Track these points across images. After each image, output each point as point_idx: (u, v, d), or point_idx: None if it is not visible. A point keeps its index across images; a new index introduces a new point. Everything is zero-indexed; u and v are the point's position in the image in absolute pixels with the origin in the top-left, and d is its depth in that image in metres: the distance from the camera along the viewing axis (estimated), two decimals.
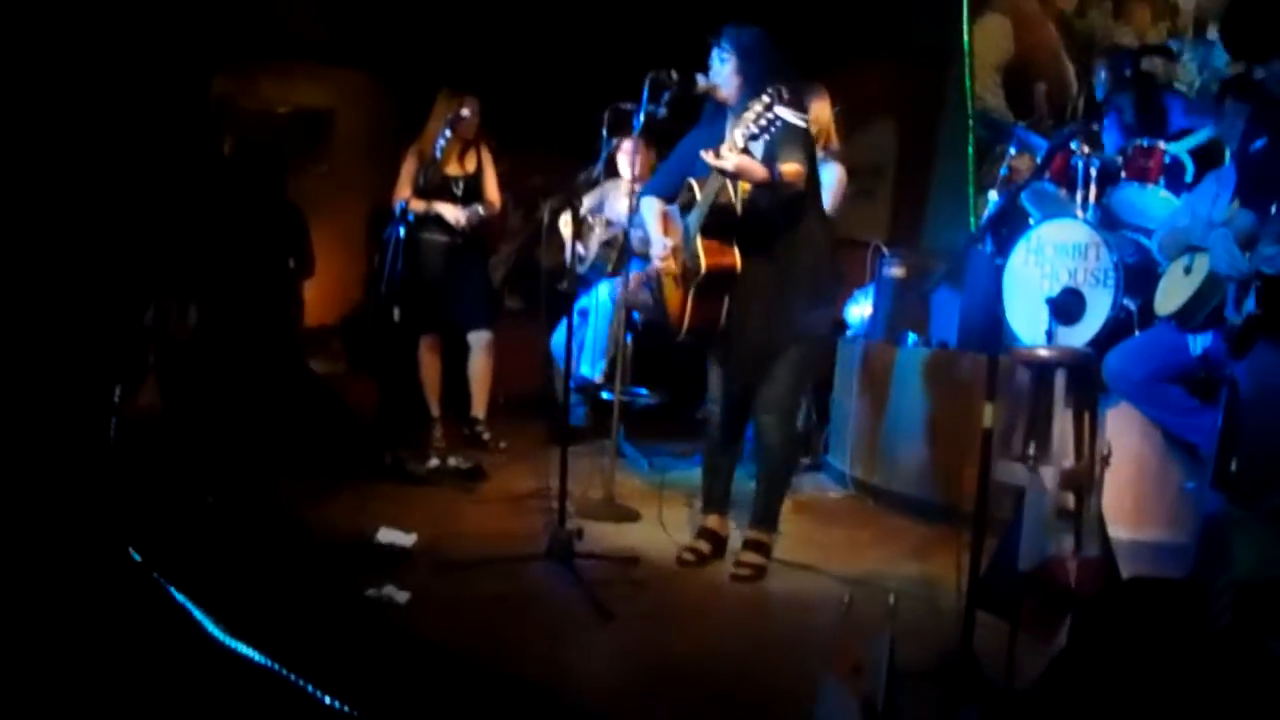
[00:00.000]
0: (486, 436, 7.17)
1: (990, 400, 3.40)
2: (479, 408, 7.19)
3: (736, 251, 4.70)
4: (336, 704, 3.19)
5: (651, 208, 5.11)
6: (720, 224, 4.68)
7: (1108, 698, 2.99)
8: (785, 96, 4.34)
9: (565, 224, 7.06)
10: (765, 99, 4.37)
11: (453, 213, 6.86)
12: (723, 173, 4.51)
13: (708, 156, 4.49)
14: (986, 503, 3.39)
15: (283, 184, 7.74)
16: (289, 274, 7.88)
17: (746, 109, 4.46)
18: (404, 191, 6.81)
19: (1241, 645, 3.01)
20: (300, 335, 8.31)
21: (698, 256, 4.68)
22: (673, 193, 5.06)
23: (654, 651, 3.94)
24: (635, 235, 5.81)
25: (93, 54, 6.16)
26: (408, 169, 6.91)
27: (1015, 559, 3.56)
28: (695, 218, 4.73)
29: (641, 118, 5.08)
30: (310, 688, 3.25)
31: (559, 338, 6.89)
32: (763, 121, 4.38)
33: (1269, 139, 4.81)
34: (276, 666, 3.36)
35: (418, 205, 6.77)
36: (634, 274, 6.71)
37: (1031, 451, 4.11)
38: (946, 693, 3.36)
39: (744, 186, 4.63)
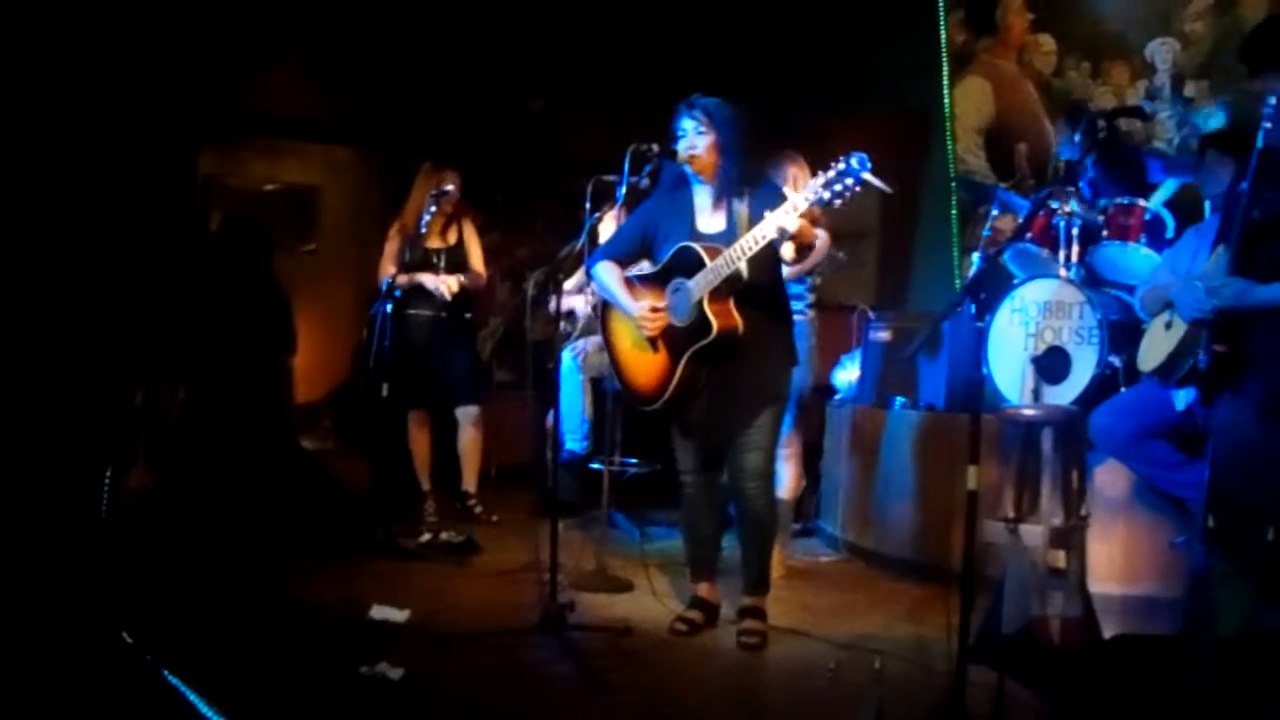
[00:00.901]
0: (478, 509, 7.15)
1: (973, 463, 3.41)
2: (469, 482, 7.17)
3: (738, 315, 4.66)
4: None
5: (611, 273, 5.03)
6: (727, 289, 4.63)
7: None
8: (868, 165, 4.26)
9: (552, 299, 7.04)
10: (844, 163, 4.25)
11: (432, 280, 6.85)
12: (782, 233, 4.39)
13: (775, 217, 4.38)
14: (973, 564, 3.40)
15: (269, 261, 7.74)
16: (274, 352, 7.88)
17: (826, 169, 4.30)
18: (389, 268, 6.82)
19: (1226, 702, 3.01)
20: (290, 412, 8.29)
21: (707, 320, 4.60)
22: (628, 258, 5.07)
23: None
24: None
25: (79, 134, 6.19)
26: (392, 245, 6.93)
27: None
28: (703, 281, 4.63)
29: (624, 189, 5.07)
30: None
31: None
32: (838, 186, 4.25)
33: None
34: None
35: (403, 280, 6.75)
36: (592, 340, 6.70)
37: (1011, 514, 4.10)
38: None
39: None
